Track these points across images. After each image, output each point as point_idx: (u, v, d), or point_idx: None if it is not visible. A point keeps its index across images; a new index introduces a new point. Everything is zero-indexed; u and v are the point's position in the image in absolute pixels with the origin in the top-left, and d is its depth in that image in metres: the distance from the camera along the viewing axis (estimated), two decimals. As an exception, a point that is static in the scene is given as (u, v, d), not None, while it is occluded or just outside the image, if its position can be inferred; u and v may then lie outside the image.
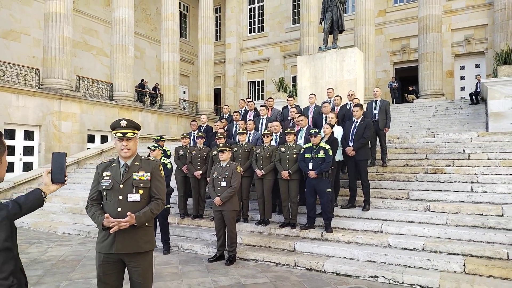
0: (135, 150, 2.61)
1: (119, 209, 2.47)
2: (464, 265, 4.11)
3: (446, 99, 16.29)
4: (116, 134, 2.51)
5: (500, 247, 4.31)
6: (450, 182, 6.18)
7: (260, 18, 23.74)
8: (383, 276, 4.20)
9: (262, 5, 23.57)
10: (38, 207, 2.00)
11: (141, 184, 2.54)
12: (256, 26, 23.96)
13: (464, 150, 7.30)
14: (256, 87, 24.00)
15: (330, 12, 9.98)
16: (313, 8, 18.82)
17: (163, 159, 5.82)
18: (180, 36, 21.86)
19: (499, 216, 5.02)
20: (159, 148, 5.76)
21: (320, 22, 10.59)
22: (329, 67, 9.96)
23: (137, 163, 2.59)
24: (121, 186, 2.51)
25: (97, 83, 15.85)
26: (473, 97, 14.43)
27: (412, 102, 16.73)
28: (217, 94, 24.03)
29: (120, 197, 2.50)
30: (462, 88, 18.10)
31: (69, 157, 11.30)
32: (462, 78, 18.32)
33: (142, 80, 18.62)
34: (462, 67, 18.31)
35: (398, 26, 19.21)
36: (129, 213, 2.41)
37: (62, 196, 9.04)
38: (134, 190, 2.52)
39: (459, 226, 4.94)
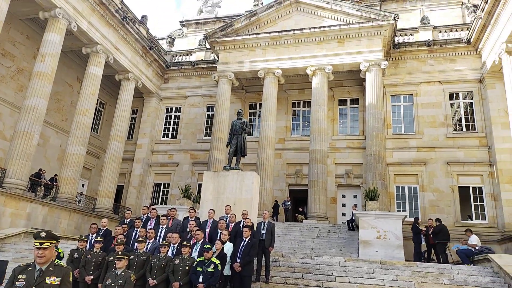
0: (50, 257, 3.15)
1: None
2: None
3: (329, 222, 18.55)
4: (35, 244, 3.06)
5: None
6: (318, 301, 7.25)
7: (175, 126, 25.31)
8: None
9: (179, 115, 25.41)
10: None
11: (52, 288, 3.02)
12: (170, 132, 25.34)
13: (332, 273, 8.64)
14: (162, 189, 24.28)
15: (236, 138, 11.68)
16: (224, 127, 21.06)
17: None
18: (91, 130, 22.02)
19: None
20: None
21: (227, 146, 12.20)
22: (230, 185, 11.23)
23: (51, 268, 3.10)
24: (33, 288, 2.96)
25: (-13, 166, 14.85)
26: (350, 224, 16.80)
27: (302, 222, 18.63)
28: (119, 191, 23.58)
29: (31, 299, 2.93)
30: (343, 214, 20.78)
31: None
32: (343, 205, 21.19)
33: (40, 170, 17.82)
34: (344, 196, 21.35)
35: (294, 153, 22.19)
36: None
37: None
38: (45, 293, 2.98)
39: None
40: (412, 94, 21.10)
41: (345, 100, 22.62)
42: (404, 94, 21.32)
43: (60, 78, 20.47)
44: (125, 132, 22.56)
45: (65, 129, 21.24)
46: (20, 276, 3.01)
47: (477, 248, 10.48)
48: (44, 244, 3.04)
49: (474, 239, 11.00)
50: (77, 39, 19.25)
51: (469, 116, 20.25)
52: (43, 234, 3.07)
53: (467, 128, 20.08)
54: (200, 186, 22.41)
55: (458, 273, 8.58)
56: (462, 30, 20.98)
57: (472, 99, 20.33)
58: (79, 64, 22.13)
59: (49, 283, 3.02)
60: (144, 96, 25.36)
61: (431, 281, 8.17)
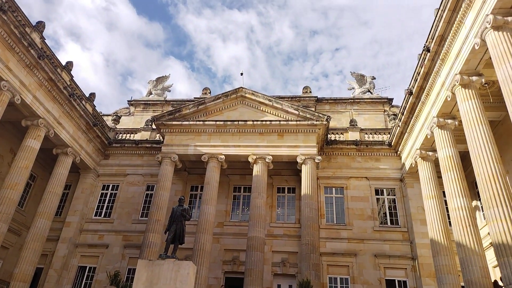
0: None
1: None
2: None
3: (264, 314, 18.17)
4: None
5: None
6: None
7: (110, 204, 24.34)
8: None
9: (115, 193, 24.65)
10: None
11: None
12: (104, 210, 24.24)
13: None
14: (86, 273, 22.35)
15: (175, 225, 11.80)
16: (162, 209, 20.79)
17: None
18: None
19: None
20: None
21: (165, 232, 12.17)
22: (164, 274, 11.01)
23: None
24: None
25: None
26: (284, 316, 16.64)
27: (236, 313, 18.04)
28: (38, 273, 21.27)
29: None
30: (277, 306, 20.51)
31: None
32: (279, 295, 21.02)
33: (-51, 247, 15.91)
34: (279, 286, 21.20)
35: (232, 238, 22.17)
36: None
37: None
38: None
39: None
40: (343, 187, 22.89)
41: (283, 188, 23.81)
42: (336, 187, 23.05)
43: (-9, 148, 19.45)
44: (54, 208, 21.21)
45: (-14, 202, 19.51)
46: None
47: None
48: None
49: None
50: (18, 111, 18.83)
51: (392, 211, 22.20)
52: None
53: (391, 222, 21.87)
54: (130, 271, 21.31)
55: None
56: (384, 133, 23.98)
57: (394, 195, 22.51)
58: (15, 135, 21.27)
59: None
60: (81, 171, 24.54)
61: None
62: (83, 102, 22.50)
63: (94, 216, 24.04)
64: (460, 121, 14.99)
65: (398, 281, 20.07)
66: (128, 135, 26.43)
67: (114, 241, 22.85)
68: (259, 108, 22.73)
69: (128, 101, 31.06)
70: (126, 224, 23.35)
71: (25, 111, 18.90)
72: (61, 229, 22.88)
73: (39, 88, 18.96)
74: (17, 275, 18.34)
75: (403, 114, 20.23)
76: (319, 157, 21.28)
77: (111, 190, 24.85)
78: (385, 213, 22.27)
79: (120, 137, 26.15)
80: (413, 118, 19.66)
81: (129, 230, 23.08)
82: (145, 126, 26.49)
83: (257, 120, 21.92)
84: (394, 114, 24.92)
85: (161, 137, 23.88)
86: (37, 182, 23.94)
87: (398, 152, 22.77)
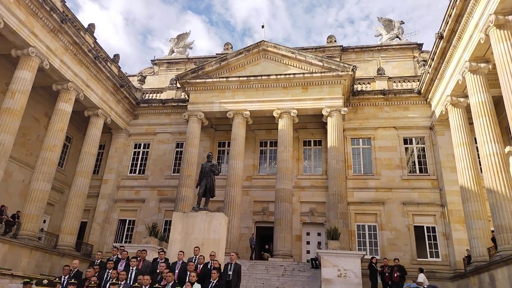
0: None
1: None
2: None
3: (294, 260, 19.07)
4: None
5: None
6: None
7: (143, 162, 25.43)
8: None
9: (147, 151, 25.64)
10: None
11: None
12: (138, 168, 25.40)
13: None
14: (127, 226, 23.97)
15: (205, 180, 12.28)
16: (192, 165, 21.52)
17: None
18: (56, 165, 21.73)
19: None
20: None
21: (196, 186, 12.73)
22: (198, 225, 11.68)
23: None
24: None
25: None
26: (313, 262, 17.43)
27: (267, 259, 19.03)
28: (82, 227, 23.02)
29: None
30: (308, 252, 21.40)
31: None
32: (308, 242, 21.87)
33: (2, 206, 17.34)
34: (308, 233, 22.06)
35: (260, 191, 22.88)
36: None
37: None
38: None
39: None
40: (370, 138, 22.71)
41: (309, 141, 23.91)
42: (363, 138, 22.90)
43: (27, 113, 20.23)
44: (92, 167, 22.46)
45: (29, 164, 20.89)
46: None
47: (425, 286, 11.41)
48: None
49: (421, 277, 11.96)
50: (48, 76, 19.46)
51: (422, 159, 21.98)
52: (45, 281, 3.55)
53: (421, 170, 21.74)
54: (167, 223, 22.56)
55: (408, 310, 9.39)
56: (413, 81, 23.16)
57: (424, 144, 22.16)
58: (47, 99, 22.10)
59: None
60: (113, 131, 25.49)
61: (384, 318, 8.90)
62: (108, 64, 22.85)
63: (129, 173, 25.26)
64: (494, 65, 14.25)
65: (426, 227, 20.34)
66: (154, 94, 26.88)
67: (149, 196, 24.11)
68: (282, 62, 22.34)
69: (151, 60, 31.25)
70: (159, 180, 24.46)
71: (55, 76, 19.49)
72: (99, 186, 24.32)
73: (65, 52, 19.36)
74: (64, 228, 19.96)
75: (433, 59, 19.37)
76: (345, 109, 21.02)
77: (143, 148, 25.83)
78: (413, 162, 22.11)
79: (147, 97, 26.67)
80: (443, 63, 18.81)
81: (162, 185, 24.19)
82: (170, 85, 26.77)
83: (280, 74, 21.65)
84: (424, 60, 23.85)
85: (186, 96, 24.15)
86: (73, 144, 25.15)
87: (428, 100, 22.09)
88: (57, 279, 7.60)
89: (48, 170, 18.61)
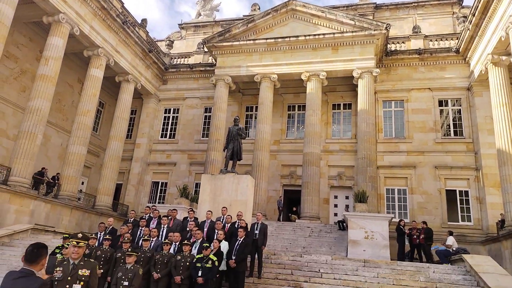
0: (81, 253, 3.86)
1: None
2: None
3: (321, 222, 19.30)
4: (72, 242, 3.76)
5: None
6: (305, 295, 8.01)
7: (173, 126, 25.98)
8: None
9: (177, 116, 26.09)
10: None
11: (83, 278, 3.74)
12: (168, 132, 26.00)
13: (319, 270, 9.40)
14: (159, 187, 24.94)
15: (232, 144, 12.41)
16: (221, 129, 21.74)
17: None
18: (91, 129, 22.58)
19: (331, 323, 6.85)
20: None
21: (224, 150, 12.91)
22: (226, 187, 11.96)
23: (82, 262, 3.81)
24: (69, 278, 3.68)
25: (-7, 165, 15.46)
26: (340, 224, 17.57)
27: (295, 221, 19.37)
28: (118, 189, 24.20)
29: (67, 286, 3.65)
30: (335, 214, 21.56)
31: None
32: (336, 205, 21.98)
33: (43, 168, 18.43)
34: (336, 197, 22.12)
35: (288, 155, 22.93)
36: None
37: None
38: (77, 282, 3.70)
39: (303, 330, 6.60)
40: (403, 100, 21.91)
41: (339, 105, 23.39)
42: (395, 100, 22.13)
43: (61, 79, 20.95)
44: (124, 132, 23.21)
45: (66, 129, 21.84)
46: (58, 268, 3.71)
47: (453, 248, 11.29)
48: (79, 244, 3.75)
49: (450, 240, 11.80)
50: (78, 42, 19.85)
51: (457, 122, 21.09)
52: (80, 235, 3.78)
53: (455, 133, 20.92)
54: (197, 185, 23.23)
55: (434, 272, 9.37)
56: (451, 39, 21.80)
57: (460, 105, 21.17)
58: (79, 66, 22.68)
59: (81, 274, 3.73)
60: (143, 97, 25.99)
61: (409, 278, 8.94)
62: (136, 29, 22.91)
63: (160, 137, 25.94)
64: (543, 17, 13.10)
65: (459, 191, 19.86)
66: (182, 59, 26.90)
67: (180, 159, 24.78)
68: (311, 21, 21.54)
69: (178, 24, 31.01)
70: (189, 144, 25.00)
71: (85, 42, 19.82)
72: (133, 150, 25.21)
73: (94, 18, 19.53)
74: (101, 189, 21.04)
75: (474, 15, 18.04)
76: (377, 70, 20.25)
77: (173, 113, 26.28)
78: (448, 125, 21.27)
79: (175, 62, 26.75)
80: (485, 19, 17.49)
81: (192, 149, 24.74)
82: (197, 50, 26.64)
83: (309, 35, 20.95)
84: (464, 17, 22.27)
85: (213, 60, 24.00)
86: (106, 109, 25.94)
87: (467, 59, 20.83)
88: (93, 235, 8.12)
89: (83, 134, 19.40)
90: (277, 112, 23.49)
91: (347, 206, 20.57)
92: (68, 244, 6.52)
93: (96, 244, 7.96)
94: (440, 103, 21.49)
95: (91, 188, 23.85)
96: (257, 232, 9.26)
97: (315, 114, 20.47)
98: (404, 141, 21.27)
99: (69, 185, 18.46)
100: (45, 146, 20.92)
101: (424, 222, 14.59)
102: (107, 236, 7.89)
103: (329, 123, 22.98)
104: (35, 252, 2.79)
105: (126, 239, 7.39)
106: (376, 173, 19.93)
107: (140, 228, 8.82)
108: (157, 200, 24.36)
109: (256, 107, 23.07)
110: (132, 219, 9.72)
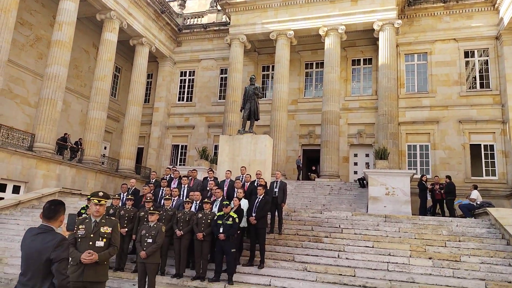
0: (103, 212, 3.91)
1: (89, 251, 3.69)
2: (322, 309, 5.80)
3: (341, 180, 19.29)
4: (93, 200, 3.80)
5: (347, 297, 6.13)
6: (325, 249, 8.11)
7: (190, 89, 25.85)
8: (265, 317, 5.67)
9: (193, 79, 25.88)
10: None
11: (105, 235, 3.81)
12: (185, 95, 25.93)
13: (339, 226, 9.45)
14: (179, 150, 25.29)
15: (249, 103, 12.21)
16: (237, 90, 21.49)
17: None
18: (110, 95, 22.72)
19: (352, 276, 6.94)
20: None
21: (241, 110, 12.75)
22: (245, 147, 11.92)
23: (104, 220, 3.87)
24: (91, 235, 3.76)
25: (18, 132, 15.88)
26: (361, 181, 17.51)
27: (314, 180, 19.43)
28: (139, 153, 24.70)
29: (90, 243, 3.74)
30: (355, 172, 21.47)
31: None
32: (355, 163, 21.84)
33: (65, 134, 18.85)
34: (356, 155, 21.92)
35: (307, 114, 22.61)
36: (94, 252, 3.63)
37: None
38: (100, 239, 3.78)
39: (324, 282, 6.73)
40: (427, 52, 20.92)
41: (358, 60, 22.60)
42: (418, 53, 21.16)
43: (76, 45, 20.90)
44: (142, 96, 23.27)
45: (85, 95, 22.06)
46: (80, 226, 3.79)
47: (477, 202, 11.09)
48: (101, 202, 3.78)
49: (474, 194, 11.58)
50: (91, 6, 19.52)
51: (483, 74, 20.11)
52: (101, 193, 3.81)
53: (481, 86, 20.02)
54: (216, 147, 23.38)
55: (457, 225, 9.27)
56: (480, -16, 20.27)
57: (487, 56, 20.08)
58: (94, 30, 22.47)
59: (103, 231, 3.80)
60: (158, 60, 25.76)
61: (431, 232, 8.89)
62: (147, -12, 22.26)
63: (178, 101, 25.94)
64: None
65: (484, 145, 19.30)
66: (196, 19, 26.25)
67: (198, 122, 24.87)
68: (328, -29, 20.37)
69: (190, -18, 29.89)
70: (206, 107, 24.94)
71: (97, 5, 19.47)
72: (151, 114, 25.40)
73: (103, -21, 19.03)
74: (123, 153, 21.51)
75: (507, -46, 16.62)
76: (399, 21, 19.24)
77: (188, 76, 26.07)
78: (474, 77, 20.32)
79: (188, 23, 26.16)
80: (520, -42, 16.11)
81: (209, 111, 24.71)
82: (211, 8, 25.88)
83: (326, -14, 19.89)
84: (495, -43, 20.56)
85: (227, 18, 23.29)
86: (122, 74, 25.93)
87: (496, 5, 19.46)
88: (116, 196, 8.33)
89: (102, 99, 19.55)
90: (294, 71, 22.94)
91: (367, 164, 20.41)
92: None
93: (120, 204, 8.20)
94: (466, 54, 20.43)
95: (113, 153, 24.41)
96: (276, 190, 9.29)
97: (334, 71, 19.86)
98: (427, 95, 20.54)
99: (92, 150, 18.90)
100: (66, 112, 21.28)
101: (448, 177, 14.33)
102: (130, 196, 8.08)
103: (348, 80, 22.33)
104: (52, 209, 2.81)
105: (148, 198, 7.55)
106: (398, 130, 19.51)
107: (161, 188, 8.99)
108: (178, 163, 24.78)
109: (273, 67, 22.56)
110: (153, 180, 9.90)
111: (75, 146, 18.83)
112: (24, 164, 15.06)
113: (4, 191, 14.56)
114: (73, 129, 21.49)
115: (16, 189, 15.01)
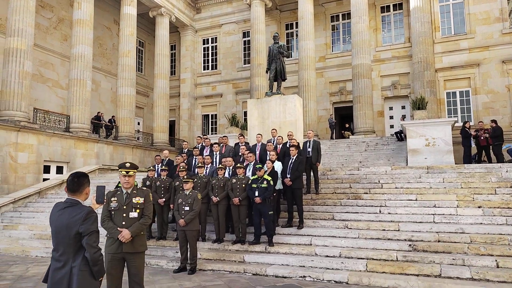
0: (133, 183, 3.83)
1: (123, 222, 3.67)
2: (366, 266, 5.64)
3: (377, 135, 18.67)
4: (121, 172, 3.72)
5: (392, 252, 5.91)
6: (365, 206, 7.86)
7: (214, 57, 25.49)
8: (309, 276, 5.61)
9: (216, 45, 25.42)
10: None
11: (138, 206, 3.75)
12: (210, 64, 25.64)
13: (379, 181, 9.11)
14: (210, 120, 25.37)
15: (275, 63, 11.74)
16: (262, 52, 20.87)
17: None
18: (136, 70, 22.85)
19: (396, 230, 6.69)
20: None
21: (266, 72, 12.33)
22: (274, 109, 11.62)
23: (135, 191, 3.80)
24: (124, 207, 3.70)
25: (54, 115, 16.37)
26: (398, 135, 16.84)
27: (348, 138, 18.91)
28: (172, 125, 25.03)
29: (124, 214, 3.69)
30: (391, 126, 20.70)
31: (31, 187, 11.73)
32: (391, 117, 21.00)
33: (98, 113, 19.27)
34: (391, 108, 21.04)
35: (336, 71, 21.76)
36: (124, 233, 3.57)
37: (28, 224, 9.55)
38: (133, 210, 3.72)
39: (367, 239, 6.54)
40: (463, -11, 19.18)
41: (388, 6, 21.17)
42: (454, -9, 19.45)
43: (98, 23, 20.92)
44: (168, 69, 23.21)
45: (112, 72, 22.28)
46: (112, 199, 3.74)
47: (528, 146, 10.33)
48: (129, 173, 3.70)
49: (525, 137, 10.76)
50: (106, -20, 19.24)
51: (530, 4, 18.27)
52: (127, 164, 3.72)
53: (527, 19, 18.26)
54: (245, 114, 23.18)
55: (507, 171, 8.68)
56: None
57: (534, -15, 18.13)
58: (113, 6, 22.32)
59: (135, 202, 3.74)
60: (180, 30, 25.40)
61: (478, 180, 8.39)
62: (160, -45, 21.58)
63: (203, 70, 25.71)
64: None
65: (531, 85, 17.86)
66: (213, -18, 25.35)
67: (225, 89, 24.64)
68: None
69: None
70: (232, 73, 24.57)
71: (112, -21, 19.15)
72: (179, 86, 25.44)
73: (116, -49, 18.55)
74: (156, 127, 21.83)
75: None
76: (430, -43, 17.57)
77: (211, 43, 25.61)
78: (518, 11, 18.51)
79: (205, -13, 25.35)
80: None
81: (236, 78, 24.35)
82: (227, -32, 24.82)
83: None
84: None
85: (245, -23, 22.29)
86: (146, 48, 25.87)
87: None
88: (151, 167, 8.40)
89: (129, 75, 19.66)
90: (319, 26, 21.91)
91: (403, 116, 19.50)
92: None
93: (155, 175, 8.27)
94: (509, -12, 18.54)
95: (147, 127, 24.86)
96: (309, 149, 9.02)
97: (362, 20, 18.71)
98: (465, 37, 19.05)
99: (125, 126, 19.28)
100: (97, 91, 21.68)
101: (494, 121, 13.41)
102: (164, 167, 8.12)
103: (378, 29, 21.07)
104: (75, 181, 2.72)
105: (182, 168, 7.53)
106: (435, 77, 18.40)
107: (194, 156, 8.97)
108: (209, 132, 24.93)
109: (296, 24, 21.62)
110: (186, 150, 9.90)
111: (109, 124, 19.25)
112: (63, 145, 15.60)
113: (48, 172, 15.23)
114: (106, 107, 21.94)
115: (59, 170, 15.67)
